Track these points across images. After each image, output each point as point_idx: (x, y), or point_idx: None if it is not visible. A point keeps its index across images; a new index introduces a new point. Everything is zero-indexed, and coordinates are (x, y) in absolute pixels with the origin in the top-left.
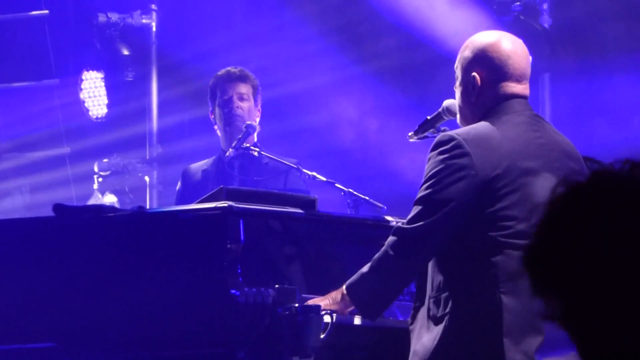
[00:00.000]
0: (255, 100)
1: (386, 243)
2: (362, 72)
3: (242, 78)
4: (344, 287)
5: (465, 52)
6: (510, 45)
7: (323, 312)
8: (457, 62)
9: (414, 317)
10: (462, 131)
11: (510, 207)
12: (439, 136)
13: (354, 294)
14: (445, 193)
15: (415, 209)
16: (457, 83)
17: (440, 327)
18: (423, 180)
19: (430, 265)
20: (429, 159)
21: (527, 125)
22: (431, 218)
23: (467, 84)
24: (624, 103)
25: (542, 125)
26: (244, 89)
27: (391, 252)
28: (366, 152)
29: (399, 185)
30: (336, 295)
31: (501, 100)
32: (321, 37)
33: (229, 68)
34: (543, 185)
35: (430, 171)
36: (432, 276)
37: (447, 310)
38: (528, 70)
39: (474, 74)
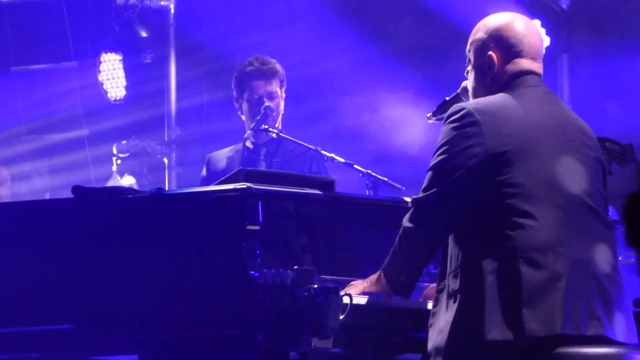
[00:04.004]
0: (282, 91)
1: (405, 216)
2: (379, 53)
3: (273, 74)
4: (381, 268)
5: (478, 34)
6: (523, 25)
7: (342, 294)
8: (469, 45)
9: (437, 300)
10: (474, 101)
11: (522, 175)
12: (451, 108)
13: (387, 273)
14: (454, 160)
15: (427, 178)
16: (470, 66)
17: (458, 299)
18: (435, 150)
19: (450, 241)
20: (442, 131)
21: (542, 99)
22: (442, 185)
23: (482, 64)
24: None
25: (556, 101)
26: (275, 86)
27: (409, 224)
28: (384, 133)
29: (417, 167)
30: (374, 277)
31: (516, 77)
32: (338, 18)
33: (258, 64)
34: (557, 157)
35: (441, 140)
36: (451, 252)
37: (465, 282)
38: (542, 50)
39: (490, 53)
